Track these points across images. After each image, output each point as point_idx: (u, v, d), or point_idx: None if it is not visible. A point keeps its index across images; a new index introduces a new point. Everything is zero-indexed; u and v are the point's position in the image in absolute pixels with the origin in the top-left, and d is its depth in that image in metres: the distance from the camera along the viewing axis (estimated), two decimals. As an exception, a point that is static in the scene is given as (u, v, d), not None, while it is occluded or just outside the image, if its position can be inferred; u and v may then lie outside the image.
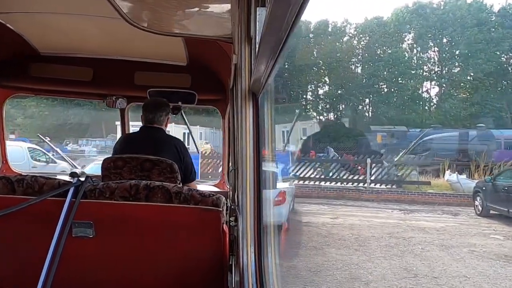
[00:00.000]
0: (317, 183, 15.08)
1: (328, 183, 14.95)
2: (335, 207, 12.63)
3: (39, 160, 12.52)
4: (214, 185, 3.52)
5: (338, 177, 15.03)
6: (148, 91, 2.89)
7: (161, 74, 3.01)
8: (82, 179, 1.65)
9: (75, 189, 1.58)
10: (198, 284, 1.70)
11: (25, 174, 1.74)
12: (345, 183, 14.86)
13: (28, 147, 12.00)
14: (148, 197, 1.59)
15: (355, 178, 15.05)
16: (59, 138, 27.71)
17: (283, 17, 0.70)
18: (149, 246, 1.65)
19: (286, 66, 36.61)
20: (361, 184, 14.67)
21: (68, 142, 25.06)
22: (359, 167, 15.72)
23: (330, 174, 15.54)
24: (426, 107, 35.43)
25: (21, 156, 11.00)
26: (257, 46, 1.09)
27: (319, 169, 15.73)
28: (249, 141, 1.38)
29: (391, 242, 8.45)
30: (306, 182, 14.93)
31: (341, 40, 36.55)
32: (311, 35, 36.87)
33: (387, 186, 14.57)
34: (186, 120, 3.43)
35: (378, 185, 14.61)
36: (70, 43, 2.76)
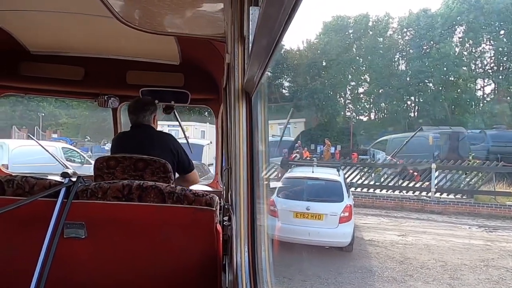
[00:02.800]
0: (371, 190, 13.17)
1: (384, 191, 12.98)
2: (397, 220, 10.78)
3: (73, 161, 11.70)
4: (208, 185, 3.47)
5: (396, 185, 12.99)
6: (140, 90, 2.87)
7: (153, 73, 2.98)
8: (74, 179, 1.61)
9: (67, 190, 1.56)
10: (191, 284, 1.67)
11: (15, 174, 1.68)
12: (404, 191, 12.79)
13: (62, 147, 11.28)
14: (141, 197, 1.58)
15: (417, 186, 12.94)
16: (98, 137, 27.69)
17: (276, 16, 0.69)
18: (142, 246, 1.63)
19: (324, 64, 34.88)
20: (423, 193, 12.56)
21: (105, 142, 24.76)
22: (414, 173, 13.65)
23: (383, 180, 13.54)
24: (480, 107, 31.95)
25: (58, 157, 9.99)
26: (250, 45, 1.07)
27: (367, 174, 14.16)
28: (242, 140, 1.36)
29: (493, 275, 6.55)
30: (359, 190, 13.07)
31: (383, 35, 34.05)
32: (350, 30, 34.71)
33: (456, 196, 12.35)
34: (179, 120, 3.45)
35: (445, 195, 12.42)
36: (61, 41, 2.73)
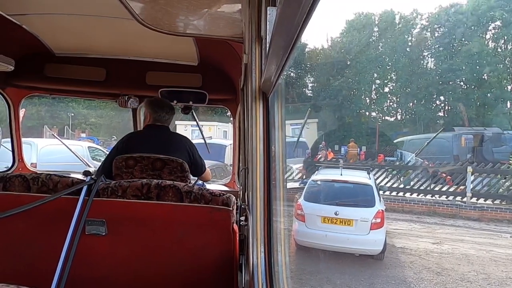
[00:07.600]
0: (400, 193, 12.48)
1: (415, 195, 12.27)
2: (431, 226, 10.12)
3: (99, 160, 11.67)
4: (225, 185, 3.51)
5: (429, 188, 12.24)
6: (159, 90, 2.92)
7: (172, 74, 3.03)
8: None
9: (88, 188, 1.62)
10: (208, 283, 1.71)
11: (40, 172, 1.75)
12: (436, 195, 12.01)
13: (88, 147, 11.28)
14: (159, 196, 1.62)
15: (450, 190, 12.13)
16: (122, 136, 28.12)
17: (293, 16, 0.69)
18: (160, 244, 1.68)
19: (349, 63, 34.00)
20: (458, 198, 11.73)
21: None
22: (445, 175, 12.81)
23: (412, 184, 12.82)
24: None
25: (81, 156, 9.97)
26: (267, 45, 1.09)
27: (396, 176, 13.50)
28: (259, 140, 1.37)
29: (544, 291, 5.83)
30: (387, 193, 12.39)
31: (410, 32, 32.71)
32: (375, 29, 33.58)
33: (494, 202, 11.46)
34: (197, 120, 3.56)
35: (481, 200, 11.55)
36: (84, 43, 2.82)
